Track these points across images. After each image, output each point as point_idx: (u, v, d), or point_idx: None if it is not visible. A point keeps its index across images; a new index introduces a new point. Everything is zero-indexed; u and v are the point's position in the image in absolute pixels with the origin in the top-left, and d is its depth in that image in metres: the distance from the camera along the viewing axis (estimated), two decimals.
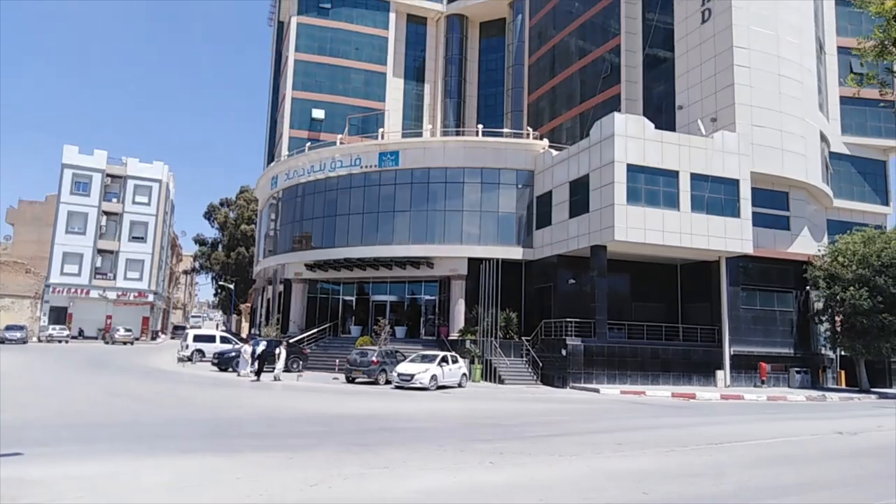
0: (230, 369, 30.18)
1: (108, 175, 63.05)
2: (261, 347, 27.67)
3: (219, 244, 79.82)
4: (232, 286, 73.36)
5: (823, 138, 35.65)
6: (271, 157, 56.55)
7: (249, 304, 71.02)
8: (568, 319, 30.39)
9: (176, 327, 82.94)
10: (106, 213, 62.80)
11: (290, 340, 35.63)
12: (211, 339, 38.21)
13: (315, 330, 38.41)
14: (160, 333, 73.49)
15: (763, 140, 31.90)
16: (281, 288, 42.78)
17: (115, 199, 63.54)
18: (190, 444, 10.91)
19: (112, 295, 62.24)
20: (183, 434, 12.10)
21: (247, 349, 28.24)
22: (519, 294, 35.44)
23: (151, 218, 65.09)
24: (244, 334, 63.95)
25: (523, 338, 32.93)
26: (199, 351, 36.38)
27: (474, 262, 34.49)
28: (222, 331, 52.87)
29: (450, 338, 34.34)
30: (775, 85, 32.67)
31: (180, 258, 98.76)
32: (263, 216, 48.18)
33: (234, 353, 31.30)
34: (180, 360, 35.67)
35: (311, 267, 39.76)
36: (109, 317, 61.23)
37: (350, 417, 15.85)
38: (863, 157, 38.38)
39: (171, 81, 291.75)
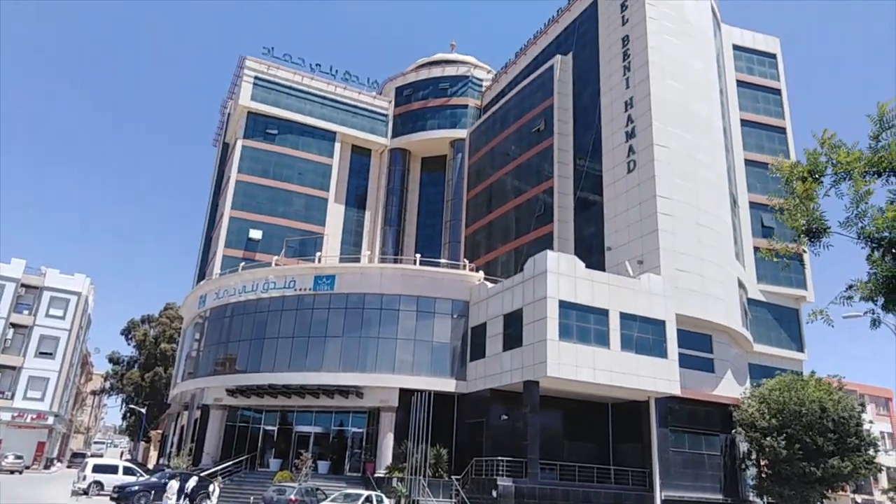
0: None
1: (22, 285, 59.69)
2: (192, 483, 25.14)
3: (135, 363, 75.22)
4: (143, 410, 68.39)
5: (741, 285, 37.69)
6: (202, 275, 55.13)
7: (161, 431, 65.95)
8: (499, 458, 29.36)
9: (75, 454, 75.50)
10: (14, 325, 58.70)
11: (202, 473, 32.85)
12: (113, 469, 34.77)
13: (230, 462, 35.65)
14: (56, 461, 66.72)
15: (686, 284, 33.41)
16: (197, 414, 40.04)
17: (26, 311, 59.74)
18: None
19: (6, 416, 56.71)
20: None
21: (173, 484, 25.23)
22: (451, 428, 34.31)
23: (64, 333, 61.18)
24: (151, 464, 58.72)
25: (453, 476, 31.42)
26: (98, 483, 32.90)
27: (406, 394, 33.47)
28: (127, 460, 48.50)
29: (376, 475, 32.44)
30: (695, 232, 34.81)
31: (90, 377, 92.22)
32: (187, 336, 46.04)
33: (137, 487, 28.46)
34: (75, 493, 32.10)
35: (232, 392, 37.62)
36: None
37: None
38: (777, 305, 40.58)
39: (106, 192, 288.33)
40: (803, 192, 8.54)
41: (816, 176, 8.68)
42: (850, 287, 8.29)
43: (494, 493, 27.99)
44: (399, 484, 30.12)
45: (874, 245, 8.02)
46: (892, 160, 7.98)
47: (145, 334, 73.08)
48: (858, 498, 52.96)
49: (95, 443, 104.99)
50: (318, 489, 27.60)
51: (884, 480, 57.49)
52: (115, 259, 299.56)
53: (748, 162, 42.79)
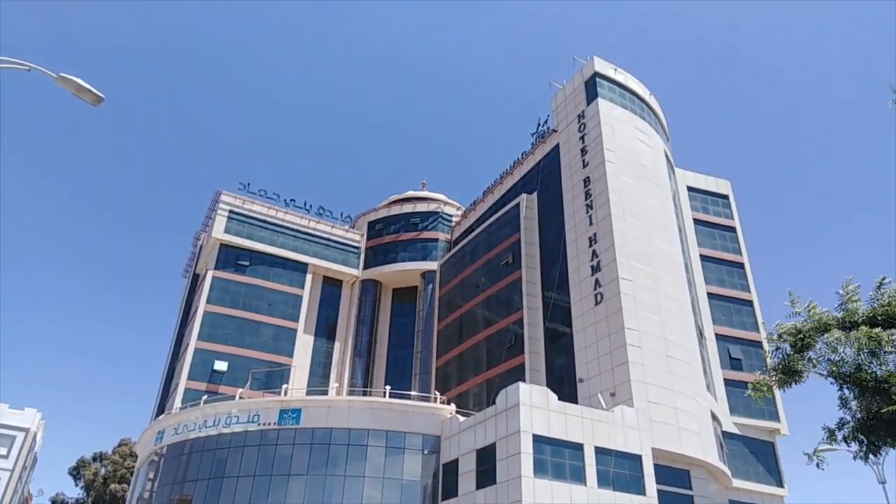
0: None
1: None
2: None
3: None
4: None
5: (715, 417, 37.49)
6: (162, 409, 52.81)
7: None
8: None
9: None
10: None
11: None
12: None
13: None
14: None
15: (660, 417, 33.14)
16: None
17: None
18: None
19: None
20: None
21: None
22: None
23: (6, 473, 56.88)
24: None
25: None
26: None
27: None
28: None
29: None
30: (665, 365, 35.10)
31: None
32: (140, 475, 43.20)
33: None
34: None
35: None
36: None
37: None
38: (753, 438, 40.24)
39: (62, 319, 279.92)
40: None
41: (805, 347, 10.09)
42: (832, 432, 9.43)
43: None
44: None
45: (845, 384, 8.92)
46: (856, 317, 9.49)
47: (95, 473, 68.31)
48: None
49: None
50: None
51: None
52: (70, 392, 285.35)
53: (711, 295, 44.23)
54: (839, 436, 9.40)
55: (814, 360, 9.84)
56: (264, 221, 58.71)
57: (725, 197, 50.25)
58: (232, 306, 54.29)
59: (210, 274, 55.02)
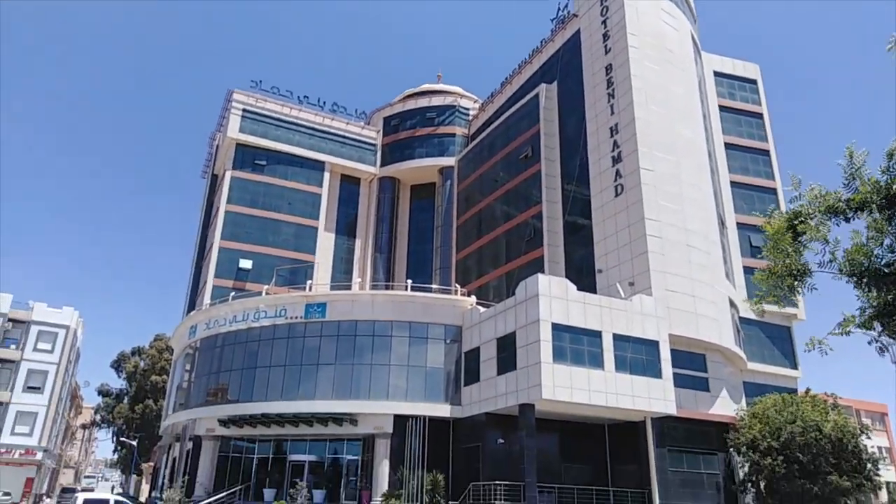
0: None
1: (9, 319, 59.03)
2: None
3: (125, 396, 74.18)
4: (135, 443, 67.26)
5: (732, 304, 38.03)
6: (192, 305, 54.83)
7: (152, 464, 64.83)
8: (497, 482, 29.16)
9: (64, 489, 73.65)
10: (1, 360, 57.89)
11: None
12: (104, 503, 34.14)
13: (224, 493, 35.11)
14: (45, 497, 65.24)
15: (678, 304, 33.68)
16: (189, 445, 39.48)
17: (13, 346, 58.98)
18: None
19: None
20: None
21: None
22: (447, 454, 34.07)
23: (52, 367, 60.36)
24: (143, 497, 57.61)
25: (451, 502, 31.12)
26: None
27: (400, 420, 33.28)
28: (118, 493, 47.61)
29: (372, 503, 32.06)
30: (685, 254, 35.22)
31: (80, 411, 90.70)
32: (177, 367, 45.62)
33: None
34: None
35: (224, 423, 37.23)
36: None
37: None
38: (769, 323, 40.91)
39: (93, 224, 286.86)
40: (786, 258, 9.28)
41: (795, 232, 9.29)
42: (846, 319, 8.74)
43: None
44: None
45: (855, 279, 8.42)
46: (843, 202, 8.60)
47: (135, 366, 72.25)
48: None
49: (86, 477, 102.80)
50: None
51: (883, 495, 57.43)
52: (104, 292, 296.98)
53: (734, 184, 43.55)
54: (857, 321, 8.81)
55: (807, 245, 9.31)
56: (279, 119, 58.00)
57: (753, 82, 48.27)
58: (252, 206, 54.81)
59: (228, 174, 55.18)
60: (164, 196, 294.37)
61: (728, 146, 44.66)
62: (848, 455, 30.92)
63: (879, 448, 51.85)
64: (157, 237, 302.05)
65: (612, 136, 38.74)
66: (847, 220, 8.65)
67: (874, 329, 8.71)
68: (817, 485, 29.95)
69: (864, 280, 8.28)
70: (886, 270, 8.19)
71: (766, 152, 45.72)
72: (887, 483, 55.46)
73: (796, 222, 9.16)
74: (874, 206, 8.25)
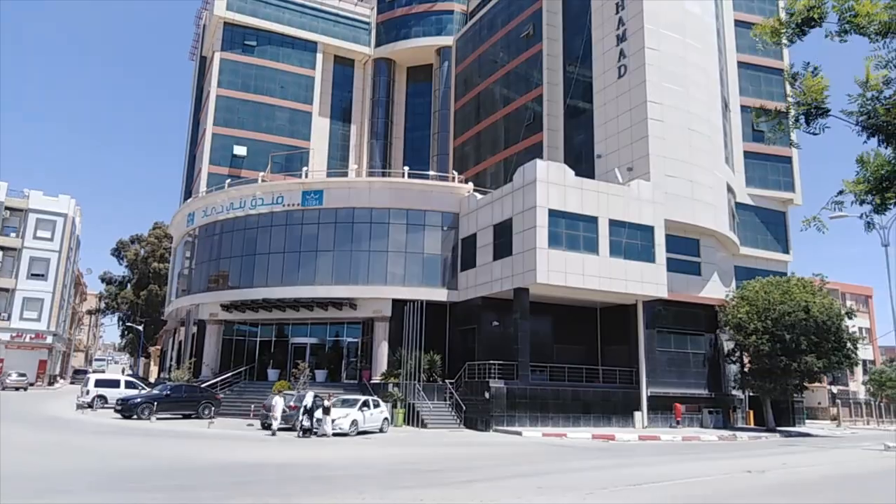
0: (135, 416, 28.16)
1: (6, 208, 58.98)
2: (309, 399, 23.47)
3: (127, 283, 75.71)
4: (140, 327, 69.44)
5: (730, 189, 37.86)
6: (188, 193, 54.56)
7: (159, 347, 67.31)
8: (491, 362, 30.33)
9: (77, 371, 77.28)
10: (2, 248, 58.49)
11: (203, 385, 33.85)
12: (115, 383, 35.72)
13: (230, 374, 36.64)
14: (59, 378, 68.30)
15: (675, 189, 33.49)
16: (194, 329, 40.75)
17: (13, 234, 59.36)
18: (84, 497, 9.89)
19: (5, 336, 57.49)
20: (78, 487, 10.97)
21: (278, 401, 23.95)
22: (443, 336, 35.20)
23: (54, 254, 61.04)
24: (152, 378, 60.29)
25: (447, 381, 32.57)
26: (102, 397, 33.83)
27: (398, 304, 34.08)
28: (128, 375, 49.71)
29: (372, 381, 33.54)
30: (686, 138, 34.56)
31: (84, 297, 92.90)
32: (178, 254, 46.14)
33: (140, 399, 29.33)
34: (80, 406, 33.06)
35: (227, 307, 38.17)
36: (1, 360, 56.39)
37: (266, 466, 14.93)
38: (765, 208, 41.00)
39: (83, 111, 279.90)
40: (809, 88, 7.21)
41: (816, 21, 7.26)
42: (841, 192, 7.83)
43: (487, 395, 29.13)
44: (395, 388, 31.21)
45: (872, 132, 7.35)
46: None
47: (136, 254, 73.20)
48: (834, 388, 55.53)
49: (96, 360, 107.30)
50: (318, 395, 28.50)
51: (859, 372, 60.23)
52: (99, 180, 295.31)
53: (741, 64, 41.99)
54: (851, 197, 7.69)
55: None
56: None
57: None
58: (244, 89, 53.13)
59: (217, 56, 53.03)
60: (156, 80, 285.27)
61: (738, 23, 42.50)
62: (830, 335, 32.03)
63: (860, 329, 53.62)
64: (149, 124, 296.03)
65: (617, 12, 36.82)
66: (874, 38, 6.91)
67: (867, 202, 7.68)
68: (798, 362, 31.28)
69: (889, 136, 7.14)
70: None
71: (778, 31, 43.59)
72: (864, 361, 57.95)
73: (813, 15, 7.22)
74: None
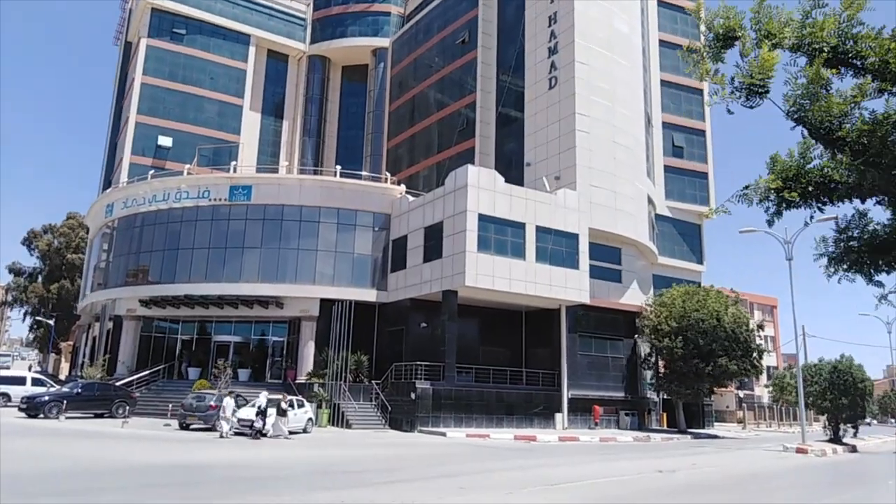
0: (42, 415, 26.73)
1: None
2: (262, 399, 23.01)
3: (38, 274, 71.54)
4: (52, 322, 65.80)
5: (650, 201, 39.62)
6: (108, 183, 52.19)
7: (71, 343, 63.97)
8: (418, 363, 30.57)
9: None
10: None
11: (118, 383, 32.50)
12: (20, 381, 33.68)
13: (147, 372, 35.29)
14: None
15: (599, 199, 34.79)
16: (110, 325, 39.05)
17: None
18: None
19: None
20: None
21: (229, 402, 22.93)
22: (371, 337, 35.21)
23: None
24: (63, 376, 57.23)
25: (374, 381, 32.58)
26: (4, 395, 31.90)
27: (326, 304, 33.83)
28: (36, 372, 47.04)
29: (297, 381, 33.13)
30: (611, 151, 35.96)
31: None
32: (94, 246, 44.06)
33: (48, 398, 27.85)
34: None
35: (146, 303, 36.80)
36: None
37: (180, 468, 14.61)
38: (682, 220, 43.11)
39: None
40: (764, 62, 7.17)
41: (734, 37, 7.55)
42: (747, 187, 8.05)
43: (413, 395, 29.35)
44: (320, 389, 30.96)
45: (801, 124, 7.46)
46: (818, 35, 7.03)
47: (49, 244, 69.27)
48: (741, 393, 58.90)
49: (0, 355, 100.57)
50: (238, 395, 27.95)
51: (764, 378, 64.10)
52: (10, 167, 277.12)
53: (664, 83, 44.01)
54: (754, 198, 7.88)
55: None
56: None
57: None
58: (171, 79, 51.40)
59: (143, 42, 51.07)
60: (77, 64, 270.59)
61: (662, 43, 44.59)
62: (740, 343, 34.09)
63: (766, 338, 57.18)
64: (67, 108, 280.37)
65: (549, 25, 37.91)
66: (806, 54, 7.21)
67: (773, 201, 8.07)
68: (709, 365, 33.11)
69: (815, 132, 7.35)
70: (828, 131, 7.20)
71: (698, 52, 45.91)
72: (768, 367, 61.79)
73: (731, 32, 7.45)
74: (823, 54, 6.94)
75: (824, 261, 8.48)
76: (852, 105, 7.19)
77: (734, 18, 7.58)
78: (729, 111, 7.91)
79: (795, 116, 7.46)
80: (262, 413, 22.93)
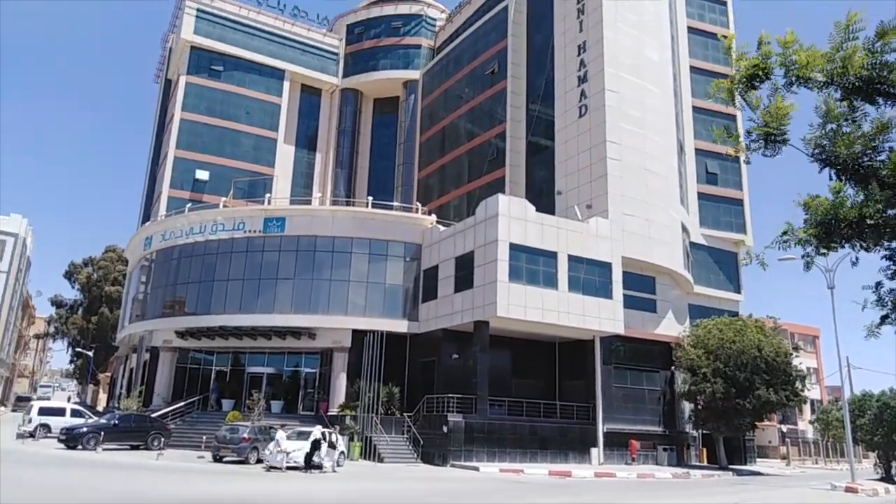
0: (80, 446, 27.07)
1: None
2: (317, 432, 23.05)
3: (79, 307, 73.28)
4: (90, 353, 67.15)
5: (685, 229, 38.98)
6: (147, 216, 53.57)
7: (109, 374, 65.14)
8: (450, 395, 30.25)
9: (20, 398, 73.81)
10: None
11: (154, 414, 32.84)
12: (60, 412, 34.24)
13: (182, 403, 35.61)
14: (0, 405, 65.36)
15: (632, 228, 34.35)
16: (147, 356, 39.67)
17: None
18: None
19: None
20: None
21: (281, 435, 23.11)
22: (403, 368, 35.03)
23: (2, 275, 58.90)
24: (101, 407, 58.18)
25: (405, 414, 32.31)
26: (45, 426, 32.37)
27: (358, 334, 33.84)
28: (75, 402, 47.85)
29: (329, 413, 33.04)
30: (643, 178, 35.60)
31: (32, 321, 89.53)
32: (133, 278, 45.05)
33: (86, 429, 28.22)
34: (20, 436, 31.59)
35: (182, 334, 37.31)
36: None
37: (211, 501, 14.55)
38: (718, 249, 42.23)
39: (38, 128, 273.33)
40: (777, 111, 7.22)
41: (762, 76, 7.43)
42: (785, 232, 8.01)
43: (445, 429, 28.98)
44: (352, 421, 30.81)
45: (825, 165, 7.40)
46: (851, 70, 6.91)
47: (88, 277, 71.06)
48: (784, 427, 56.84)
49: (41, 386, 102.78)
50: (271, 427, 27.95)
51: (807, 412, 61.84)
52: (55, 202, 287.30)
53: (696, 109, 43.55)
54: (792, 241, 7.86)
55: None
56: (236, 22, 55.04)
57: (723, 3, 47.51)
58: (209, 114, 52.84)
59: (183, 79, 52.72)
60: (118, 101, 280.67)
61: (693, 69, 44.33)
62: (780, 373, 32.96)
63: (808, 369, 55.30)
64: (107, 146, 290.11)
65: (579, 54, 38.03)
66: (819, 88, 7.15)
67: (809, 244, 7.84)
68: (749, 401, 32.00)
69: (840, 170, 7.29)
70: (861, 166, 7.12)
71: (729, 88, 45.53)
72: (812, 401, 59.63)
73: (758, 72, 7.36)
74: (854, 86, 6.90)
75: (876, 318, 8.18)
76: (879, 137, 7.05)
77: (762, 61, 7.43)
78: (747, 161, 7.97)
79: (821, 158, 7.34)
80: (317, 446, 22.75)
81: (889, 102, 7.10)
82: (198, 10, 53.38)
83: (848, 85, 7.00)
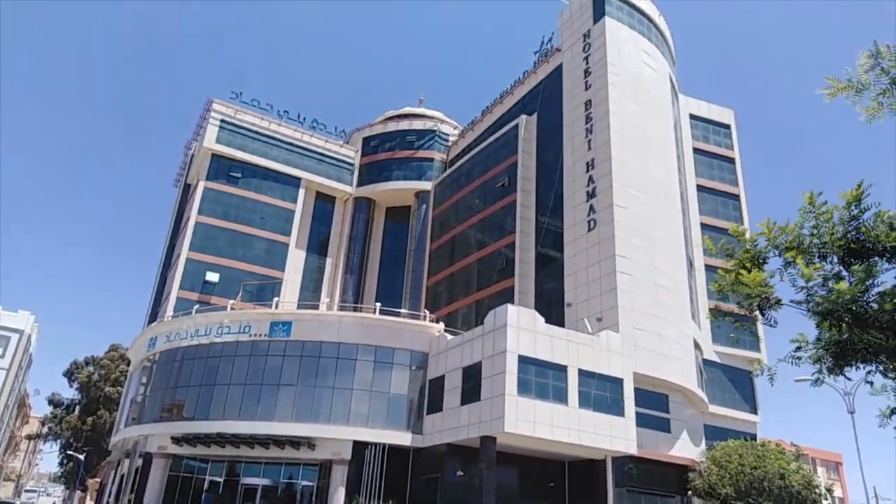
0: None
1: None
2: None
3: (76, 406, 71.62)
4: (82, 457, 64.81)
5: (697, 345, 38.27)
6: (154, 317, 53.43)
7: (99, 480, 62.48)
8: None
9: (2, 503, 70.80)
10: None
11: None
12: None
13: None
14: None
15: (644, 343, 33.75)
16: (139, 462, 38.12)
17: None
18: None
19: None
20: None
21: None
22: (405, 484, 33.36)
23: (2, 372, 58.22)
24: None
25: None
26: None
27: (359, 446, 32.56)
28: None
29: None
30: (653, 292, 35.43)
31: (27, 420, 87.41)
32: (133, 379, 44.20)
33: None
34: None
35: (177, 441, 36.03)
36: None
37: None
38: (732, 367, 41.27)
39: (53, 226, 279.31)
40: (752, 281, 8.18)
41: (759, 262, 8.47)
42: (798, 348, 8.26)
43: None
44: None
45: (821, 317, 8.00)
46: (828, 245, 7.87)
47: (89, 376, 69.96)
48: None
49: (27, 491, 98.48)
50: None
51: None
52: (62, 298, 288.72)
53: (704, 226, 44.15)
54: (805, 357, 8.29)
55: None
56: (257, 132, 57.55)
57: (727, 126, 49.41)
58: (224, 218, 54.01)
59: (202, 185, 54.38)
60: (134, 204, 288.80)
61: (700, 188, 45.42)
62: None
63: (835, 499, 52.34)
64: (119, 246, 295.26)
65: (587, 170, 39.11)
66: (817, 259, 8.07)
67: (823, 363, 8.07)
68: None
69: (836, 319, 7.84)
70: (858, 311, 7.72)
71: (737, 196, 46.61)
72: None
73: (759, 259, 8.46)
74: (835, 255, 7.81)
75: None
76: (866, 286, 7.59)
77: (753, 249, 8.58)
78: (735, 339, 9.33)
79: (817, 311, 7.88)
80: None
81: (874, 256, 7.74)
82: (222, 121, 55.98)
83: (826, 254, 7.90)
